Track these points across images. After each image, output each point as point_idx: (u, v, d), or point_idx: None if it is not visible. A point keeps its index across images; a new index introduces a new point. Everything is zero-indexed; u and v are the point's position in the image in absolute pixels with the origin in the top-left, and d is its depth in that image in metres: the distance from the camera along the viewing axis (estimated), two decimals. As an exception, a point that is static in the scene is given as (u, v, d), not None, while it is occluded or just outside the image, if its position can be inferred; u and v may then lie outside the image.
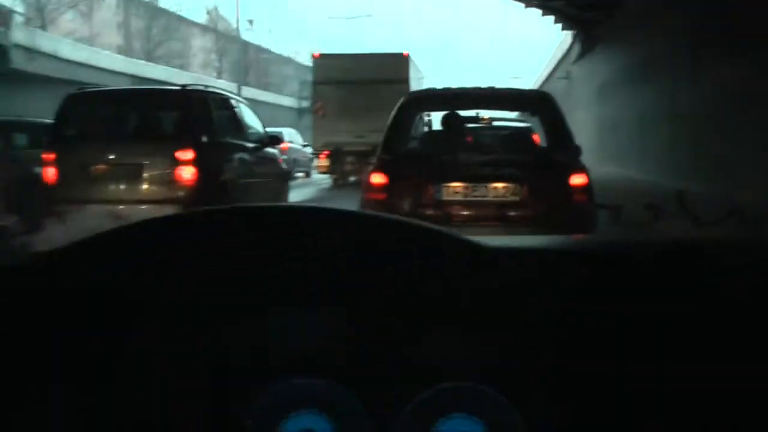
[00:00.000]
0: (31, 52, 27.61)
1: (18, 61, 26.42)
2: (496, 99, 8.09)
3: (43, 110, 15.98)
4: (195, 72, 50.19)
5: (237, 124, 9.56)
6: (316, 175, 22.33)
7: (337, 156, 19.66)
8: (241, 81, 43.89)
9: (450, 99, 7.75)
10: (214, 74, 54.56)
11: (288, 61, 66.84)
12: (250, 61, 56.76)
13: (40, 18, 38.43)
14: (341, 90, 19.76)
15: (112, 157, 8.24)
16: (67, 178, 8.18)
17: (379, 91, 18.17)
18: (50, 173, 8.25)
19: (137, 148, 8.32)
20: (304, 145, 25.19)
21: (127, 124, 9.05)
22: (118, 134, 8.72)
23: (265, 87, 54.65)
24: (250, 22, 58.96)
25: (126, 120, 9.10)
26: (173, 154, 8.11)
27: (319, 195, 17.77)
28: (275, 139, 10.44)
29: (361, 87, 19.34)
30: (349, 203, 9.96)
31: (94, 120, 8.78)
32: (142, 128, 8.87)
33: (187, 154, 8.12)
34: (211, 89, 9.73)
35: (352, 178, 18.77)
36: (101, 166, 8.20)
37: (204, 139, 8.40)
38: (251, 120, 10.11)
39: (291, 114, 34.48)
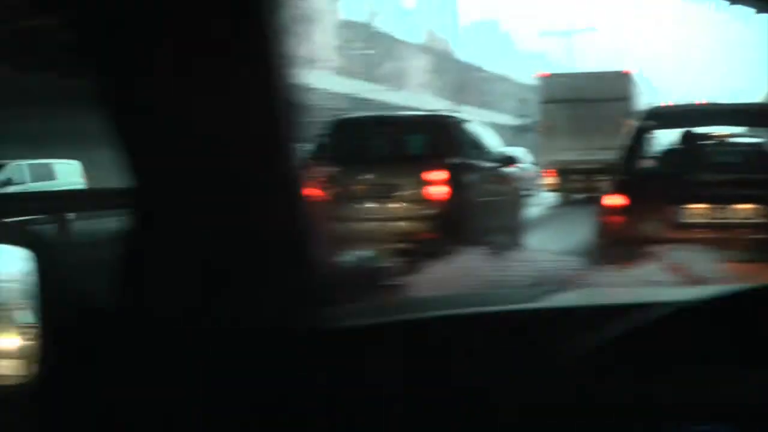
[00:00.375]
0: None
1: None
2: (736, 114, 7.85)
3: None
4: (412, 91, 51.34)
5: (479, 146, 10.12)
6: (542, 193, 22.54)
7: (563, 174, 19.84)
8: (458, 99, 44.56)
9: (688, 115, 7.65)
10: (431, 93, 55.59)
11: (503, 79, 67.00)
12: (466, 80, 57.48)
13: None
14: (566, 108, 19.95)
15: (371, 177, 8.97)
16: (333, 198, 8.92)
17: (603, 109, 18.32)
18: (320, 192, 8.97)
19: (394, 169, 9.01)
20: (532, 164, 25.52)
21: (384, 146, 9.80)
22: (377, 156, 9.47)
23: (481, 105, 55.15)
24: (465, 40, 59.67)
25: (383, 143, 9.87)
26: (426, 175, 8.76)
27: (546, 213, 17.99)
28: (512, 159, 10.93)
29: (586, 105, 19.47)
30: (576, 222, 10.16)
31: (356, 143, 9.58)
32: (397, 150, 9.59)
33: (440, 175, 8.73)
34: (455, 114, 10.37)
35: (578, 196, 18.90)
36: (361, 186, 8.94)
37: (453, 160, 9.00)
38: (491, 141, 10.66)
39: (508, 132, 34.72)
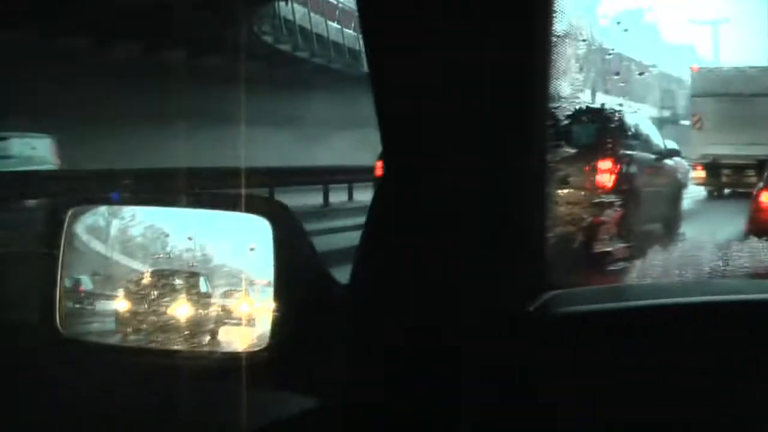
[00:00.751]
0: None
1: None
2: None
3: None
4: (553, 81, 50.78)
5: (642, 138, 10.58)
6: (691, 187, 22.36)
7: (713, 168, 19.73)
8: (600, 89, 44.08)
9: None
10: (572, 83, 54.75)
11: (647, 69, 65.44)
12: (608, 70, 56.58)
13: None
14: (720, 102, 19.81)
15: None
16: None
17: (759, 105, 18.15)
18: None
19: (562, 158, 9.53)
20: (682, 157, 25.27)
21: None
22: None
23: (623, 96, 54.05)
24: (609, 29, 58.67)
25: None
26: (595, 164, 9.24)
27: (694, 207, 17.97)
28: (673, 152, 11.30)
29: (741, 100, 19.28)
30: (725, 216, 10.31)
31: None
32: (570, 140, 10.09)
33: (606, 164, 9.23)
34: (621, 108, 10.82)
35: (727, 191, 18.82)
36: None
37: (619, 150, 9.49)
38: (653, 134, 11.10)
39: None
